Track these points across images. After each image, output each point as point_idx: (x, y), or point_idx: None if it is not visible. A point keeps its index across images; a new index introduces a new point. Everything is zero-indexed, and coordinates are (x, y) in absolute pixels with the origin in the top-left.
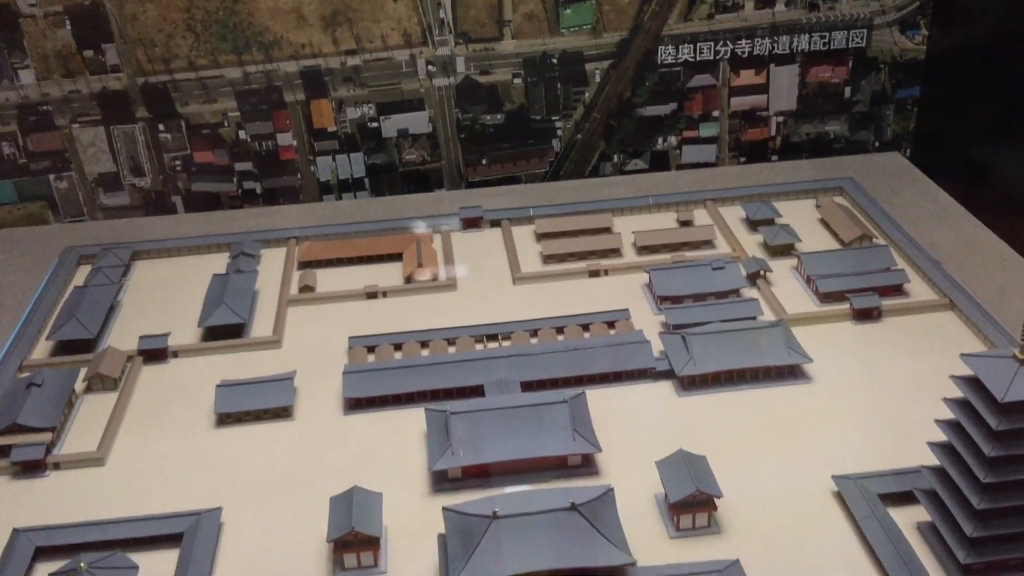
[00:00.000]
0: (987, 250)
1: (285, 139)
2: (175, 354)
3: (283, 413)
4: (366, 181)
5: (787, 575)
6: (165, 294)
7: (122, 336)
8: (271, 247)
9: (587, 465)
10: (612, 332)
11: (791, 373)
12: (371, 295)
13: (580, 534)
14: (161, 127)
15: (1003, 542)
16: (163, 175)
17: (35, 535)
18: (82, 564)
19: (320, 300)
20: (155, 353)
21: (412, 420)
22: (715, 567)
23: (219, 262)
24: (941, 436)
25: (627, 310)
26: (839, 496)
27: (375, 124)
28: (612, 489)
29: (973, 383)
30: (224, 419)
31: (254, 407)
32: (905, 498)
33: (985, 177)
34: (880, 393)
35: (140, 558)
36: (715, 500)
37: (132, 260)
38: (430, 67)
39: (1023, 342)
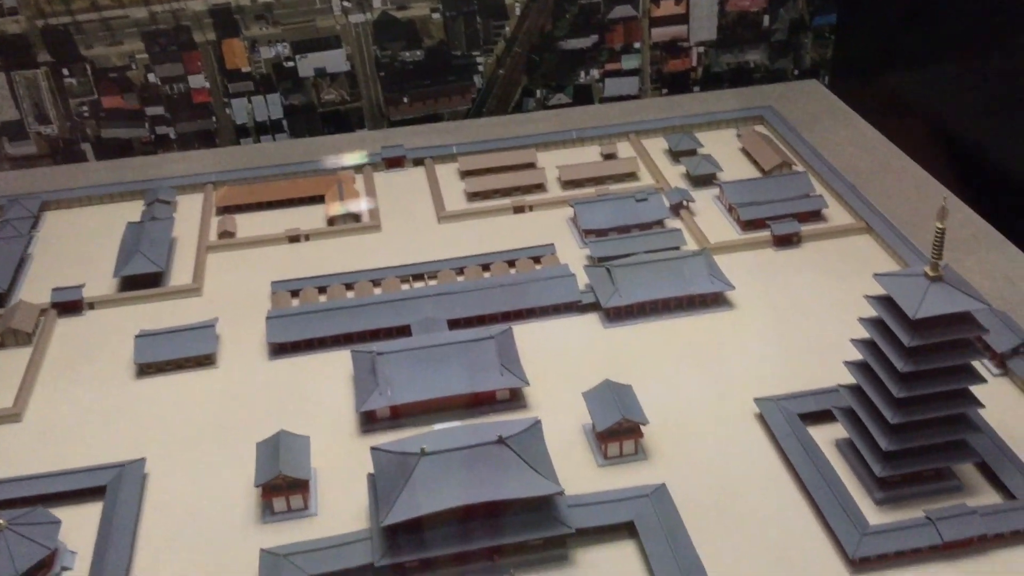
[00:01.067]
0: (904, 175)
1: (197, 81)
2: (91, 306)
3: (206, 361)
4: (284, 123)
5: (712, 496)
6: (77, 245)
7: (34, 289)
8: (187, 193)
9: (516, 399)
10: (538, 267)
11: (714, 301)
12: (293, 239)
13: (508, 467)
14: (65, 71)
15: (916, 455)
16: (70, 122)
17: None
18: (1, 521)
19: (240, 245)
20: (69, 305)
21: (338, 363)
22: (642, 492)
23: (133, 210)
24: (858, 355)
25: (552, 245)
26: (761, 418)
27: (291, 63)
28: (539, 421)
29: (886, 302)
30: (145, 369)
31: (175, 356)
32: (824, 417)
33: (902, 103)
34: (800, 317)
35: (62, 513)
36: (641, 428)
37: (41, 211)
38: (345, 3)
39: (934, 259)
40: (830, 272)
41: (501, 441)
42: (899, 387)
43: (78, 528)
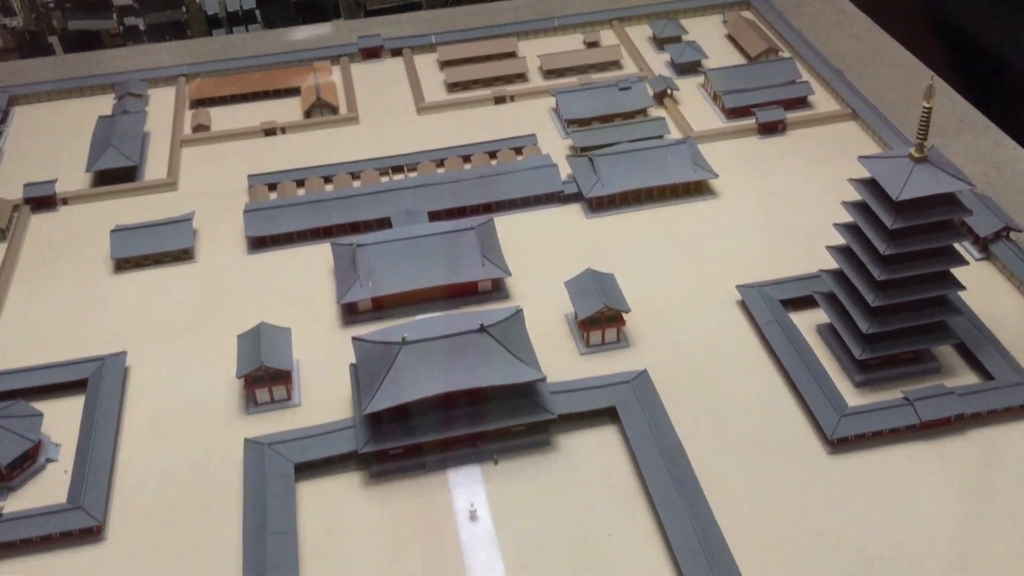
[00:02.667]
0: (893, 60)
1: None
2: (64, 201)
3: (184, 255)
4: (257, 13)
5: (694, 381)
6: (49, 139)
7: (6, 185)
8: (159, 86)
9: (498, 290)
10: (519, 158)
11: (698, 190)
12: (269, 131)
13: (490, 354)
14: None
15: (896, 337)
16: (35, 13)
17: None
18: None
19: (215, 139)
20: (43, 201)
21: (318, 256)
22: (623, 378)
23: (104, 104)
24: (840, 240)
25: (534, 135)
26: (743, 304)
27: None
28: (521, 310)
29: (870, 185)
30: (122, 264)
31: (152, 251)
32: (805, 303)
33: None
34: (783, 204)
35: (44, 406)
36: (623, 315)
37: (10, 106)
38: None
39: (919, 140)
40: (815, 159)
41: (483, 329)
42: (880, 270)
43: (61, 421)
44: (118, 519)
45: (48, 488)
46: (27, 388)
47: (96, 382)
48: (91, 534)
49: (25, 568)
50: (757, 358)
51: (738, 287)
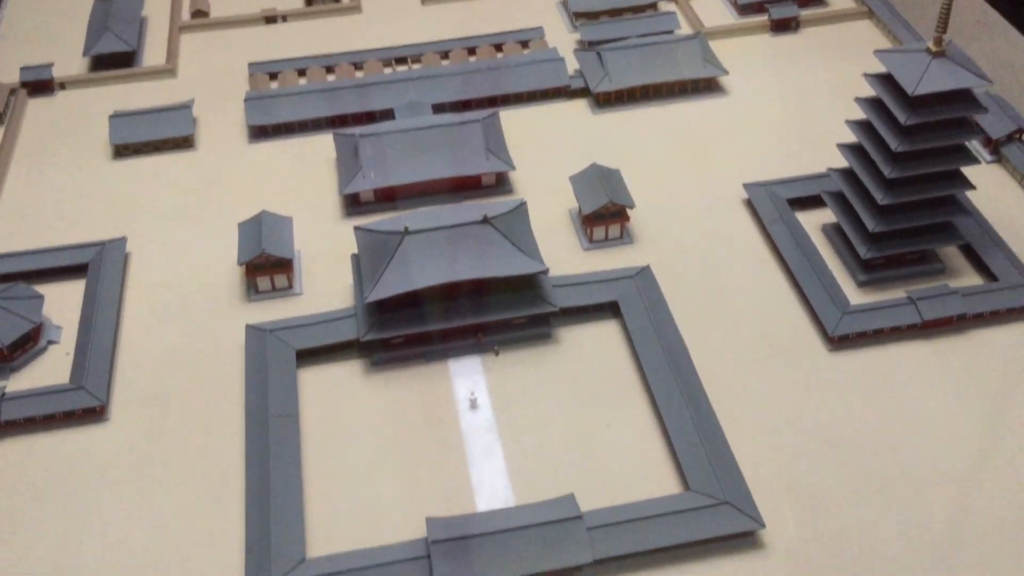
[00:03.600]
0: None
1: None
2: (62, 86)
3: (184, 143)
4: None
5: (697, 278)
6: (44, 22)
7: (2, 69)
8: None
9: (501, 184)
10: (526, 51)
11: (707, 87)
12: (270, 19)
13: (493, 245)
14: None
15: (902, 236)
16: None
17: None
18: None
19: (215, 25)
20: (40, 85)
21: (320, 146)
22: (626, 273)
23: None
24: (852, 138)
25: (541, 28)
26: (749, 203)
27: None
28: (525, 202)
29: (885, 80)
30: (121, 151)
31: (152, 137)
32: (812, 202)
33: None
34: (794, 104)
35: (45, 290)
36: (628, 211)
37: None
38: None
39: (938, 33)
40: (828, 58)
41: (486, 220)
42: (891, 167)
43: (62, 305)
44: (120, 401)
45: (50, 369)
46: (27, 271)
47: (96, 267)
48: (94, 414)
49: (28, 446)
50: (761, 256)
51: (745, 185)
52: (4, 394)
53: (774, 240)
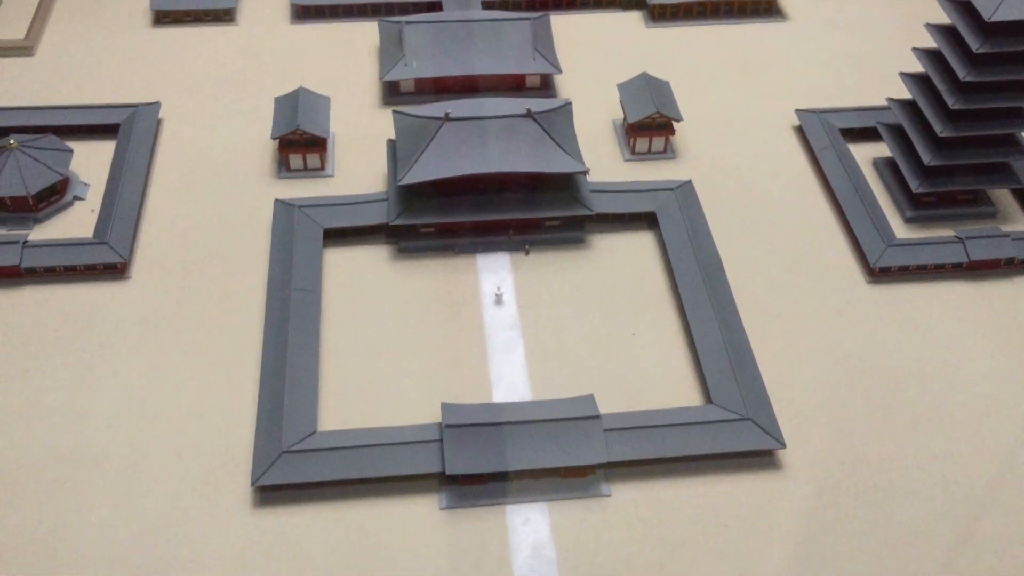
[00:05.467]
0: None
1: None
2: None
3: (225, 16)
4: None
5: (739, 198)
6: None
7: None
8: None
9: (546, 87)
10: None
11: (767, 9)
12: None
13: (534, 141)
14: None
15: (956, 173)
16: None
17: None
18: (12, 142)
19: None
20: None
21: (364, 33)
22: (668, 185)
23: None
24: (917, 68)
25: None
26: (799, 130)
27: None
28: (570, 103)
29: (959, 5)
30: (161, 17)
31: (194, 7)
32: (865, 135)
33: None
34: (856, 35)
35: (75, 147)
36: (674, 125)
37: None
38: None
39: None
40: None
41: (529, 115)
42: (956, 98)
43: (90, 164)
44: (142, 261)
45: (74, 224)
46: (59, 126)
47: (128, 128)
48: (115, 271)
49: (47, 296)
50: (807, 183)
51: (797, 111)
52: (27, 242)
53: (822, 167)
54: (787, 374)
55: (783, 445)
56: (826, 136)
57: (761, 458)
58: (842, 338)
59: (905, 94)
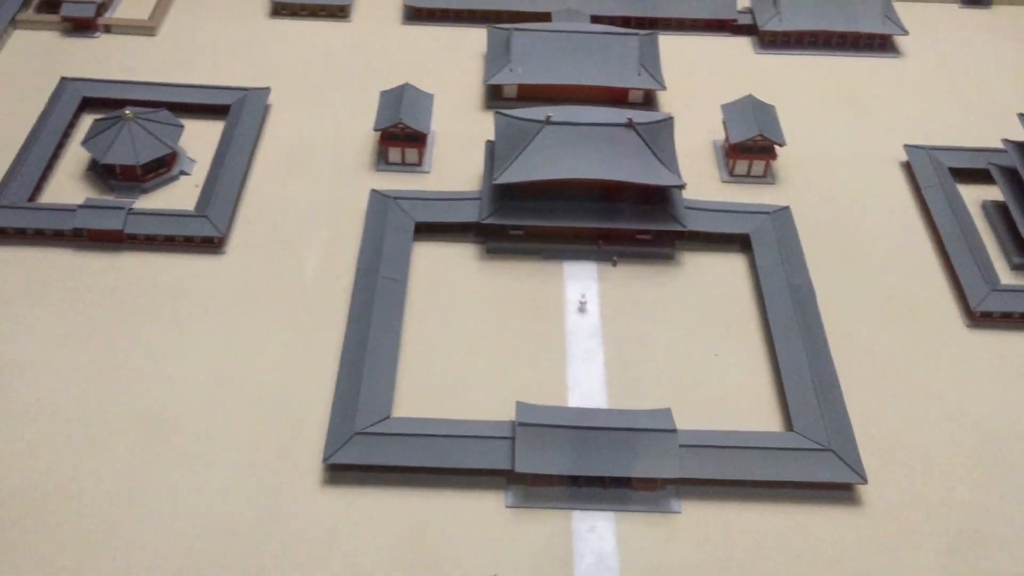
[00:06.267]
0: None
1: None
2: None
3: (340, 13)
4: None
5: (837, 229)
6: None
7: None
8: None
9: (648, 103)
10: None
11: (881, 45)
12: None
13: (633, 151)
14: None
15: None
16: None
17: (83, 85)
18: (127, 112)
19: None
20: None
21: (473, 38)
22: (764, 209)
23: None
24: None
25: None
26: (906, 166)
27: None
28: (672, 117)
29: None
30: (279, 9)
31: (311, 1)
32: (975, 176)
33: None
34: (971, 77)
35: (185, 124)
36: (776, 149)
37: None
38: None
39: None
40: (1017, 38)
41: (631, 125)
42: None
43: (199, 142)
44: (239, 237)
45: (178, 197)
46: (173, 102)
47: (237, 110)
48: (212, 245)
49: (146, 263)
50: (909, 220)
51: (906, 147)
52: (131, 209)
53: (928, 205)
54: (874, 410)
55: (864, 480)
56: (934, 174)
57: (840, 492)
58: (935, 380)
59: (1022, 137)
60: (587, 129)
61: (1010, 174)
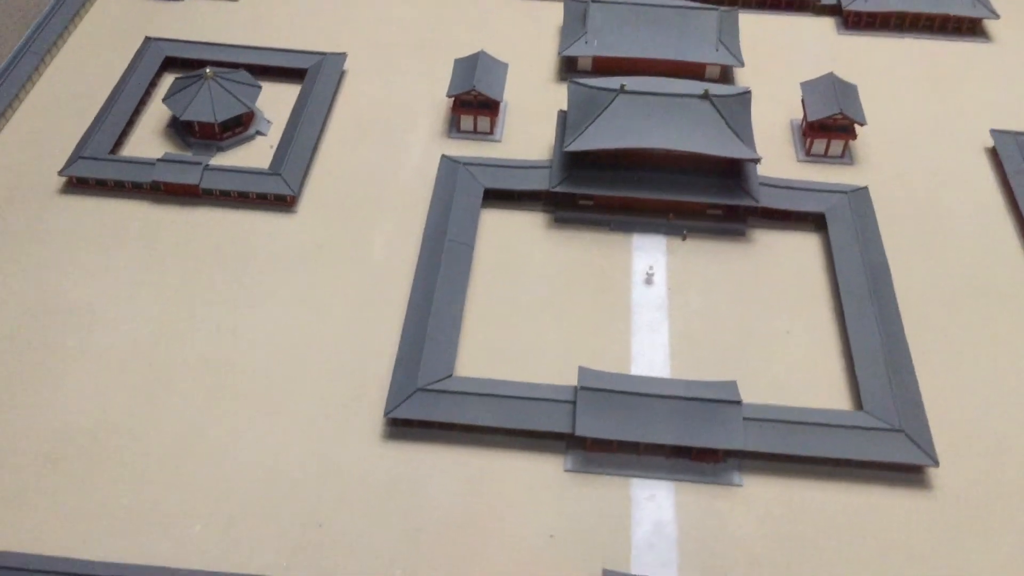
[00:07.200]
0: None
1: None
2: None
3: None
4: None
5: (917, 212)
6: None
7: None
8: None
9: (725, 80)
10: None
11: (970, 29)
12: None
13: (708, 123)
14: None
15: None
16: None
17: (166, 45)
18: (208, 71)
19: None
20: None
21: (549, 11)
22: (841, 188)
23: None
24: None
25: None
26: (992, 152)
27: None
28: (749, 91)
29: None
30: None
31: None
32: None
33: None
34: None
35: (263, 86)
36: (856, 130)
37: None
38: None
39: None
40: None
41: (707, 96)
42: None
43: (276, 103)
44: (310, 197)
45: (253, 156)
46: (251, 64)
47: (314, 74)
48: (284, 203)
49: (219, 218)
50: (994, 205)
51: (992, 131)
52: (208, 165)
53: (1013, 191)
54: (948, 393)
55: (936, 463)
56: (1021, 159)
57: (910, 474)
58: (1010, 368)
59: None
60: (662, 99)
61: None
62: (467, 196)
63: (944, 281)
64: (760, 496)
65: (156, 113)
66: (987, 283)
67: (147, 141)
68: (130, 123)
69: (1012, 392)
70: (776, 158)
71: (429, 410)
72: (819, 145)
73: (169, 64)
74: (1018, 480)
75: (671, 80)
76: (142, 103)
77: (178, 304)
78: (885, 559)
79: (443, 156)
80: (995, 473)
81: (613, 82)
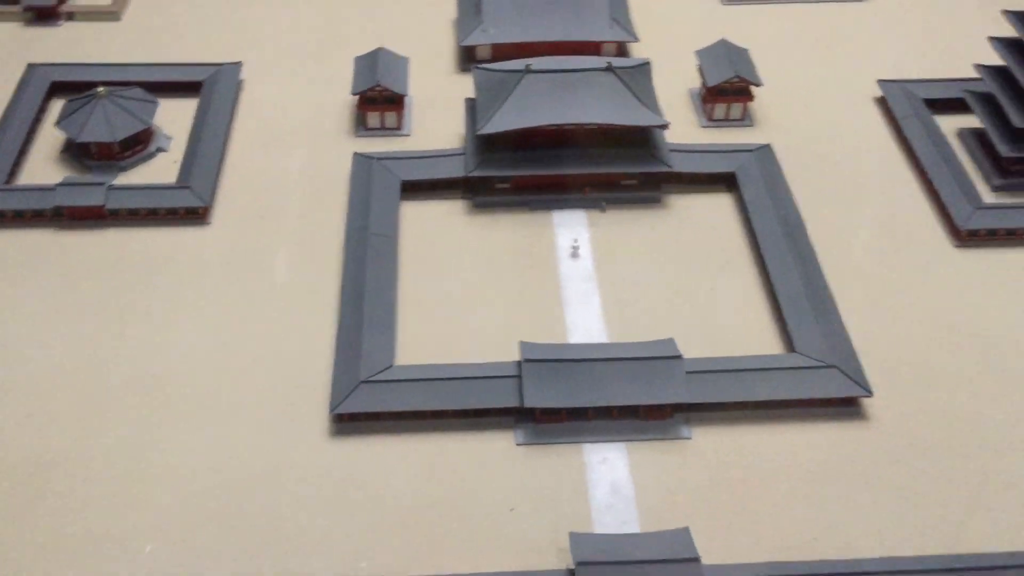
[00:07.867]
0: None
1: None
2: None
3: None
4: None
5: (819, 164)
6: None
7: None
8: None
9: (622, 55)
10: None
11: None
12: None
13: (614, 94)
14: None
15: None
16: None
17: (51, 70)
18: (100, 89)
19: None
20: None
21: (444, 4)
22: (746, 147)
23: None
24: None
25: None
26: (881, 101)
27: None
28: (649, 62)
29: None
30: None
31: None
32: (949, 106)
33: None
34: (938, 10)
35: (159, 102)
36: (752, 90)
37: None
38: None
39: None
40: None
41: (610, 68)
42: None
43: (174, 119)
44: (223, 207)
45: (157, 173)
46: (145, 81)
47: (211, 86)
48: (196, 215)
49: (131, 238)
50: (888, 151)
51: (879, 81)
52: (112, 185)
53: (906, 136)
54: (872, 329)
55: (870, 393)
56: (909, 106)
57: (846, 408)
58: (928, 299)
59: (992, 63)
60: (567, 76)
61: (985, 99)
62: (385, 190)
63: (854, 226)
64: (709, 446)
65: (49, 139)
66: (894, 223)
67: (43, 168)
68: (22, 153)
69: (931, 322)
70: (681, 126)
71: (375, 401)
72: (720, 110)
73: (57, 89)
74: (949, 405)
75: (573, 57)
76: (32, 132)
77: (99, 328)
78: (835, 488)
79: (356, 153)
80: (927, 400)
81: (518, 64)
